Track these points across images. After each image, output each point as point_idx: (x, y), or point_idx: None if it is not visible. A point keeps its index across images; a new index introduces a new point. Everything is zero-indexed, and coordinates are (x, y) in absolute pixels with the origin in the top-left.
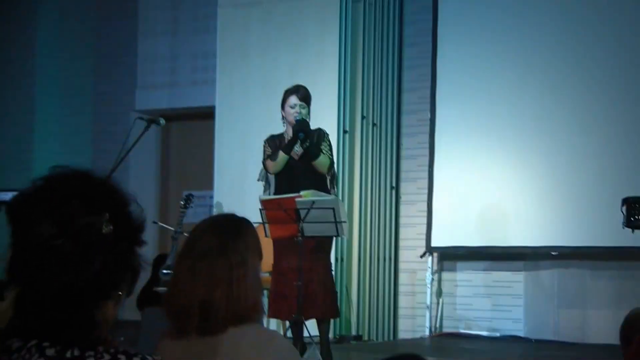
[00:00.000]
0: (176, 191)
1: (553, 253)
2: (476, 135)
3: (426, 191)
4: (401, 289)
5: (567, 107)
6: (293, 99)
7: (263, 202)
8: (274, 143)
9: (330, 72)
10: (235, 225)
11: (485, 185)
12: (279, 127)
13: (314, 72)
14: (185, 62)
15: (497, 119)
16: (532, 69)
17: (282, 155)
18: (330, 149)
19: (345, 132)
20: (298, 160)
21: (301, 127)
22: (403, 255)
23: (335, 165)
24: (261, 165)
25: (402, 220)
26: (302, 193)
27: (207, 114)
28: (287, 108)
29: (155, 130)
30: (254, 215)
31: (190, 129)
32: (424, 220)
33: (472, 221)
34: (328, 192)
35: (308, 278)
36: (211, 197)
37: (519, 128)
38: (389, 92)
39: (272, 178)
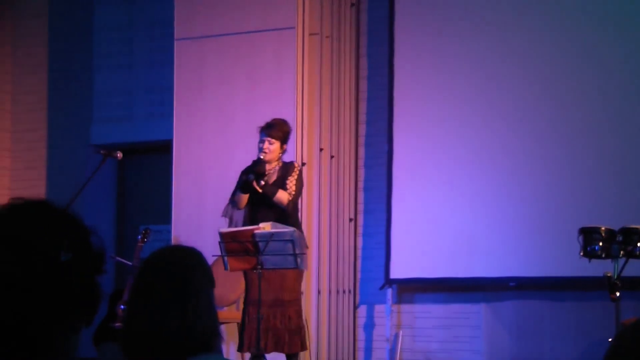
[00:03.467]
0: (133, 225)
1: (511, 284)
2: (434, 167)
3: (384, 223)
4: (360, 321)
5: (525, 138)
6: (261, 135)
7: (222, 234)
8: (242, 177)
9: (287, 105)
10: (185, 254)
11: (444, 216)
12: (236, 160)
13: (271, 105)
14: (142, 95)
15: (455, 150)
16: (489, 102)
17: (239, 194)
18: (298, 184)
19: (303, 164)
20: (262, 194)
21: (252, 168)
22: (362, 287)
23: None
24: (225, 201)
25: (361, 253)
26: (261, 225)
27: (164, 148)
28: (258, 143)
29: (111, 163)
30: (212, 248)
31: (147, 163)
32: (383, 252)
33: (430, 253)
34: (291, 222)
35: (273, 311)
36: (169, 231)
37: (477, 160)
38: (347, 124)
39: (236, 214)
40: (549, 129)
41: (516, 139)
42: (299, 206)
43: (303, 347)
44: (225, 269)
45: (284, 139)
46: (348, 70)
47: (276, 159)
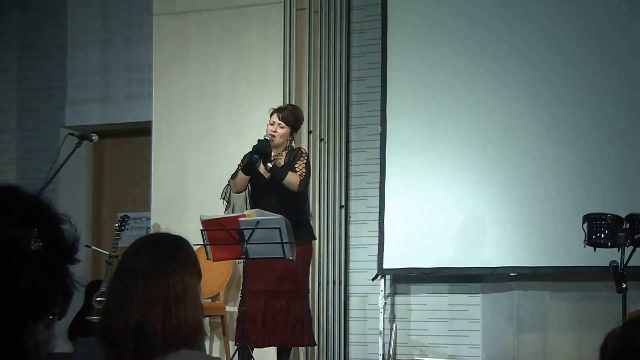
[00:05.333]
0: (110, 213)
1: (511, 274)
2: (429, 151)
3: (377, 210)
4: (352, 314)
5: (526, 121)
6: (273, 117)
7: (204, 222)
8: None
9: (274, 85)
10: (171, 243)
11: (439, 203)
12: (220, 143)
13: (256, 85)
14: (119, 74)
15: (452, 132)
16: (488, 81)
17: (241, 175)
18: (307, 168)
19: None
20: (268, 180)
21: (258, 147)
22: (353, 278)
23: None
24: (212, 186)
25: (352, 241)
26: (246, 212)
27: (142, 130)
28: (268, 125)
29: (87, 147)
30: (194, 237)
31: (125, 146)
32: (375, 240)
33: (426, 242)
34: (300, 213)
35: (273, 302)
36: (148, 218)
37: (476, 142)
38: (337, 105)
39: (236, 197)
40: (551, 111)
41: (517, 121)
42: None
43: (309, 342)
44: (208, 258)
45: (295, 126)
46: (338, 47)
47: (283, 145)
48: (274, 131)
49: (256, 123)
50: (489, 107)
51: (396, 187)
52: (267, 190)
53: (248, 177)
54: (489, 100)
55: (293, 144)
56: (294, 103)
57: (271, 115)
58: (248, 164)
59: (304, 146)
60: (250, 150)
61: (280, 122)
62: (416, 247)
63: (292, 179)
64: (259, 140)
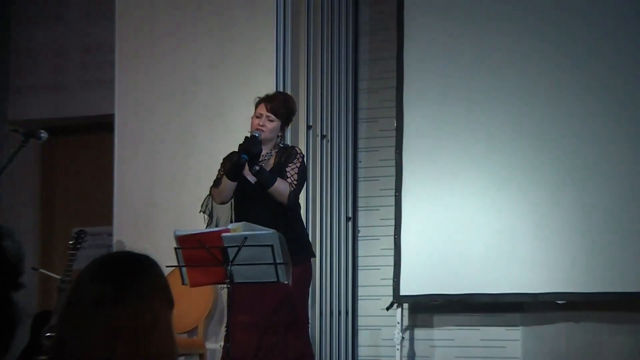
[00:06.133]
0: (63, 227)
1: (559, 302)
2: (457, 149)
3: (392, 223)
4: (361, 352)
5: (575, 111)
6: (260, 108)
7: (179, 238)
8: (230, 163)
9: (264, 70)
10: (135, 263)
11: (469, 214)
12: (198, 141)
13: (243, 70)
14: (74, 57)
15: (484, 127)
16: (529, 61)
17: (226, 182)
18: (301, 174)
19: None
20: (255, 186)
21: (247, 146)
22: (363, 307)
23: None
24: (205, 192)
25: (361, 262)
26: (230, 226)
27: (103, 125)
28: (254, 118)
29: (34, 147)
30: (167, 257)
31: (82, 145)
32: (390, 260)
33: (453, 262)
34: (295, 224)
35: (267, 336)
36: (110, 234)
37: (514, 140)
38: (342, 94)
39: (220, 209)
40: (604, 99)
41: (565, 113)
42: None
43: None
44: (184, 283)
45: (286, 119)
46: (344, 24)
47: (272, 142)
48: (262, 125)
49: (243, 116)
50: (533, 97)
51: (416, 194)
52: (255, 200)
53: (234, 184)
54: (533, 87)
55: (285, 141)
56: (288, 91)
57: (257, 105)
58: (234, 167)
59: (301, 145)
60: (235, 150)
61: (269, 114)
62: (441, 269)
63: (281, 187)
64: (246, 138)
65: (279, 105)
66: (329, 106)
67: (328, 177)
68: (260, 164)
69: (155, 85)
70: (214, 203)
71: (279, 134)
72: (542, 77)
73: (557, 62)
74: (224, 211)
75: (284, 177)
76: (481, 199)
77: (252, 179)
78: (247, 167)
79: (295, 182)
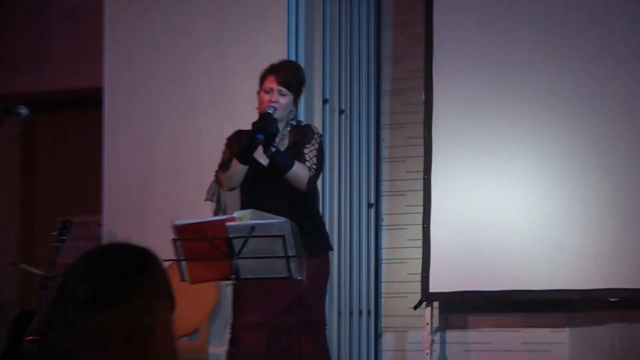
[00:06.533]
0: (46, 216)
1: (612, 299)
2: (495, 125)
3: (420, 210)
4: (385, 356)
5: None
6: (269, 81)
7: (178, 228)
8: (238, 144)
9: (276, 37)
10: (134, 257)
11: (508, 199)
12: (200, 118)
13: (253, 37)
14: (59, 23)
15: (526, 99)
16: (577, 28)
17: (236, 166)
18: (319, 157)
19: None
20: (269, 170)
21: (262, 125)
22: (387, 306)
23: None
24: (208, 177)
25: (385, 254)
26: (235, 214)
27: (91, 100)
28: (261, 93)
29: (14, 124)
30: (164, 249)
31: (67, 123)
32: (418, 253)
33: (489, 254)
34: (311, 214)
35: (279, 337)
36: (99, 224)
37: (561, 116)
38: (363, 63)
39: (228, 196)
40: None
41: (618, 94)
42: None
43: None
44: (183, 279)
45: (298, 91)
46: None
47: (284, 120)
48: (273, 101)
49: (251, 89)
50: (580, 70)
51: (448, 177)
52: (268, 186)
53: (246, 168)
54: (583, 58)
55: (297, 117)
56: (302, 61)
57: (264, 78)
58: (247, 148)
59: (317, 122)
60: (241, 129)
61: (280, 87)
62: (476, 262)
63: (300, 171)
64: (261, 116)
65: (291, 76)
66: (348, 77)
67: (347, 158)
68: (276, 145)
69: (150, 56)
70: (221, 190)
71: (292, 109)
72: (592, 46)
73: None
74: (234, 198)
75: (302, 160)
76: (522, 182)
77: (264, 160)
78: (260, 148)
79: (314, 166)
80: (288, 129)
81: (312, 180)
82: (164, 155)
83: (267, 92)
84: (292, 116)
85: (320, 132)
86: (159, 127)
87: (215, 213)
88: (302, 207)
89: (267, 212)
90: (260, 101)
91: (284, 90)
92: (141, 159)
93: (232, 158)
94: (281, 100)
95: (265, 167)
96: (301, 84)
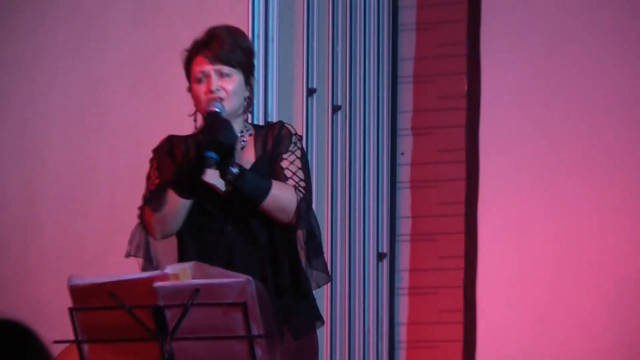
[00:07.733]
0: None
1: None
2: (558, 130)
3: (460, 264)
4: None
5: None
6: (199, 63)
7: (76, 290)
8: (172, 162)
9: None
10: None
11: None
12: (113, 110)
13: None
14: None
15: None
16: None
17: (173, 200)
18: (304, 168)
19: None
20: (229, 201)
21: (211, 135)
22: None
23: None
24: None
25: (402, 333)
26: (169, 270)
27: None
28: (193, 86)
29: None
30: (57, 320)
31: None
32: (457, 331)
33: (561, 332)
34: (293, 267)
35: None
36: None
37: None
38: (371, 33)
39: (162, 249)
40: None
41: None
42: None
43: None
44: None
45: (248, 67)
46: None
47: (240, 115)
48: (214, 89)
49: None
50: None
51: (498, 205)
52: (225, 224)
53: (188, 202)
54: None
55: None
56: (274, 32)
57: (190, 61)
58: (189, 174)
59: (298, 122)
60: (174, 134)
61: (218, 66)
62: (542, 344)
63: (283, 196)
64: (205, 121)
65: (230, 48)
66: (346, 56)
67: (344, 178)
68: (237, 163)
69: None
70: (149, 238)
71: (246, 95)
72: None
73: None
74: (169, 247)
75: (281, 178)
76: (600, 207)
77: (219, 183)
78: (216, 171)
79: (302, 183)
80: (249, 131)
81: (303, 205)
82: (57, 159)
83: (200, 81)
84: (246, 104)
85: (295, 131)
86: (53, 120)
87: (143, 269)
88: (281, 253)
89: (224, 266)
90: (196, 97)
91: (225, 68)
92: (27, 167)
93: (164, 187)
94: (226, 85)
95: (222, 195)
96: (249, 54)
